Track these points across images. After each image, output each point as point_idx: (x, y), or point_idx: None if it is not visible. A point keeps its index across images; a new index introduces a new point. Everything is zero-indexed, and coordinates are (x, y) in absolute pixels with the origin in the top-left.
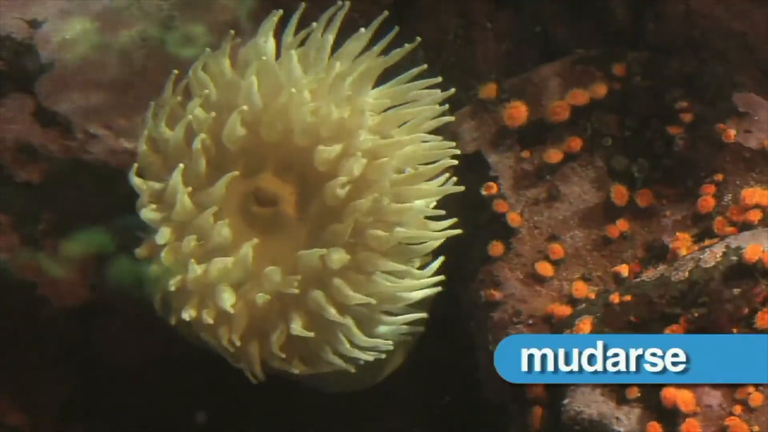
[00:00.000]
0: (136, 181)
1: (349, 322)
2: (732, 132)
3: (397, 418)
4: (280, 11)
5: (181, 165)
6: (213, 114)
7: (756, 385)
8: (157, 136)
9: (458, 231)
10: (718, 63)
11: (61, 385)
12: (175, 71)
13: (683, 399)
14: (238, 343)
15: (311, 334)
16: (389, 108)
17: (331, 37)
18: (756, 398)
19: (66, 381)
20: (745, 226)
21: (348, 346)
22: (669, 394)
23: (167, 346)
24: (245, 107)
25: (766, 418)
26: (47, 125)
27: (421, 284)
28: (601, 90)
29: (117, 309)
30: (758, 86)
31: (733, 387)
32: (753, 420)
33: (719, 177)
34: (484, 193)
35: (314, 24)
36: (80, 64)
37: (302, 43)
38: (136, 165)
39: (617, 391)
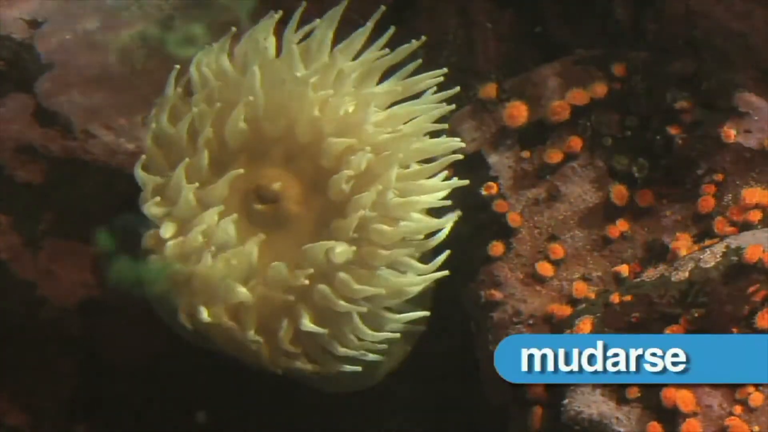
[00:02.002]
0: (141, 174)
1: (356, 314)
2: (732, 132)
3: (397, 418)
4: (280, 12)
5: (185, 161)
6: (216, 107)
7: (756, 385)
8: (159, 132)
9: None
10: (718, 63)
11: (61, 385)
12: (177, 66)
13: (683, 399)
14: (256, 337)
15: (324, 330)
16: (394, 103)
17: (331, 33)
18: (756, 398)
19: (66, 381)
20: (745, 226)
21: (356, 341)
22: (669, 394)
23: (167, 346)
24: (248, 101)
25: (766, 418)
26: (47, 125)
27: (423, 279)
28: (601, 90)
29: (117, 308)
30: (758, 86)
31: (733, 387)
32: (753, 420)
33: (719, 177)
34: (484, 193)
35: (317, 21)
36: (80, 64)
37: (302, 40)
38: (143, 157)
39: (617, 391)
